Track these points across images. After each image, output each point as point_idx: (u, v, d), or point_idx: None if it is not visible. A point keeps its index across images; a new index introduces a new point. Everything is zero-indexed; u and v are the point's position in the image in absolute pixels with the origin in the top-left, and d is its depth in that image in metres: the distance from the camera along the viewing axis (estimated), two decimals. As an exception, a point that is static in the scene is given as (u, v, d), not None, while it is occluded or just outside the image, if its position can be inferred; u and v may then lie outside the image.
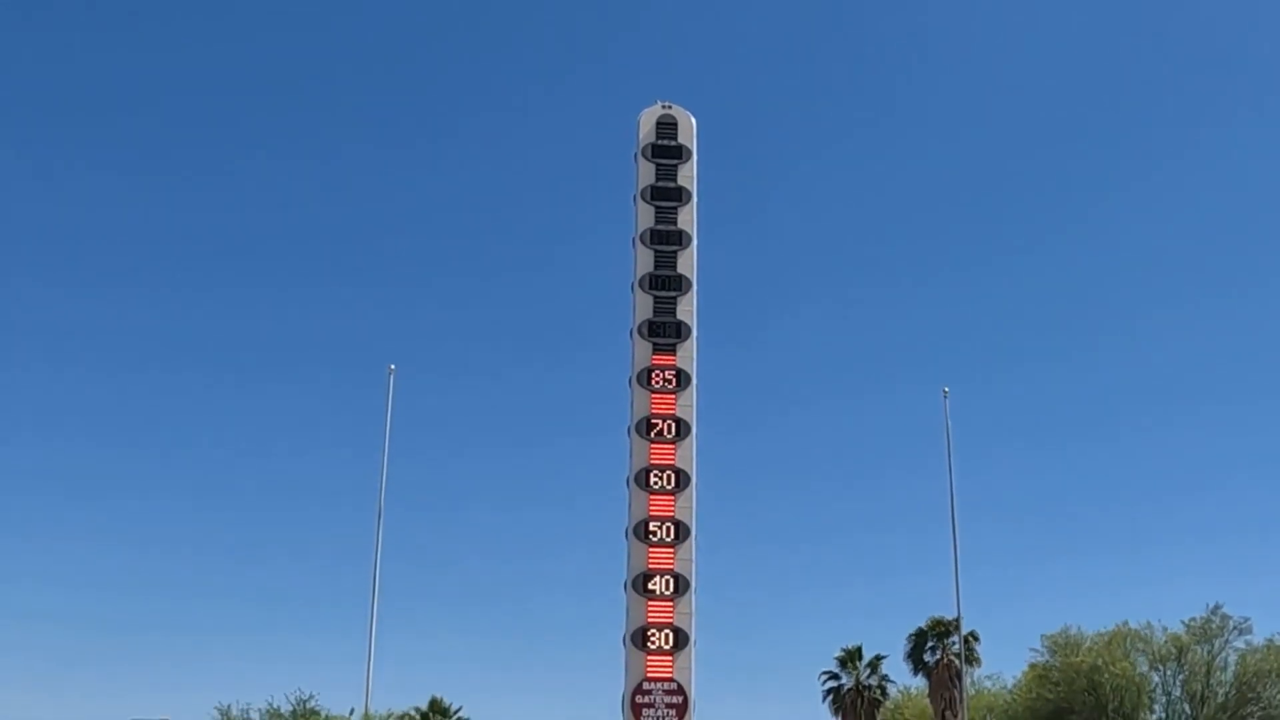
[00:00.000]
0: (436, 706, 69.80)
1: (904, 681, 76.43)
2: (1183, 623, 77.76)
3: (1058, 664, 76.65)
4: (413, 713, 68.28)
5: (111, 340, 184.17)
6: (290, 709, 76.50)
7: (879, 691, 71.76)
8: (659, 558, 67.12)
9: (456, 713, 70.54)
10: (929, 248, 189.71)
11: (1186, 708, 77.35)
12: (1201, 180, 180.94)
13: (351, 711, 67.55)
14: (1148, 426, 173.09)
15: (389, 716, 66.37)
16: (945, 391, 71.98)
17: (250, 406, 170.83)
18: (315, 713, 73.60)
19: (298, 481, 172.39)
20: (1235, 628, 76.88)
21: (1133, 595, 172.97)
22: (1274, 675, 75.31)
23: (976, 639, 71.34)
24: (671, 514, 67.35)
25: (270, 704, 77.87)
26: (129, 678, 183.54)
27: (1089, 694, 74.25)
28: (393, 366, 73.16)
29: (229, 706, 77.00)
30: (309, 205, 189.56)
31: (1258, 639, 76.64)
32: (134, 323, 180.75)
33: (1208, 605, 77.55)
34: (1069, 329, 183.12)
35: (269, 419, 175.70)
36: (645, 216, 72.11)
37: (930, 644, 70.96)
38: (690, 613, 66.86)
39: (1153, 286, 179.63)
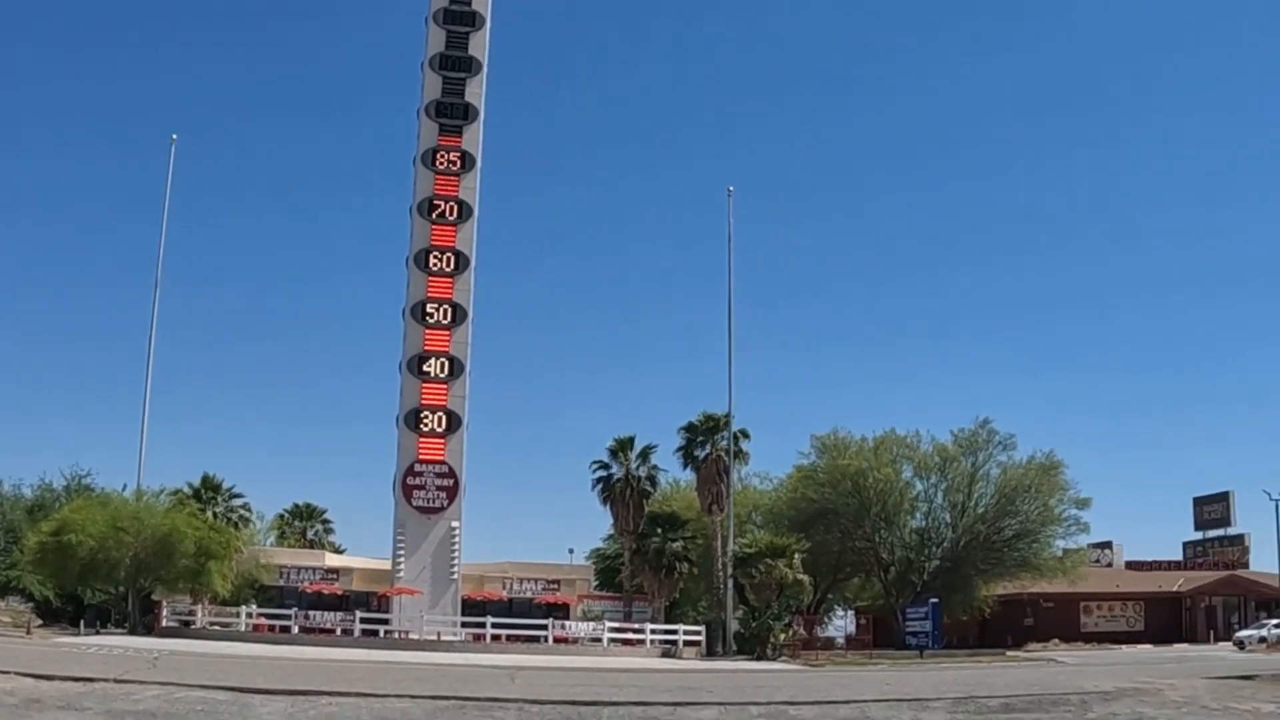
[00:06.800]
0: (208, 484, 71.25)
1: (675, 474, 79.67)
2: (951, 433, 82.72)
3: (824, 465, 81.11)
4: (185, 489, 69.98)
5: None
6: (64, 484, 78.26)
7: (648, 482, 74.08)
8: (435, 340, 70.18)
9: (229, 490, 72.52)
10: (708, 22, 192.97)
11: (947, 516, 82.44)
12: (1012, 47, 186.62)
13: (124, 487, 69.66)
14: (935, 259, 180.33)
15: (161, 492, 68.31)
16: (730, 190, 75.61)
17: (22, 174, 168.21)
18: (89, 488, 75.45)
19: (74, 256, 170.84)
20: (1000, 443, 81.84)
21: (904, 406, 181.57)
22: (1032, 491, 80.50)
23: (746, 436, 74.27)
24: (450, 296, 70.41)
25: (43, 479, 79.62)
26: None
27: (853, 497, 78.81)
28: (175, 136, 74.84)
29: (0, 482, 78.60)
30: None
31: (1020, 456, 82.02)
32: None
33: (976, 418, 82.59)
34: (858, 170, 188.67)
35: (42, 188, 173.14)
36: (440, -6, 73.82)
37: (701, 439, 73.47)
38: (464, 396, 70.25)
39: (955, 113, 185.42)
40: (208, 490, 71.48)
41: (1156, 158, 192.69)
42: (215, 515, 69.47)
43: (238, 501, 73.14)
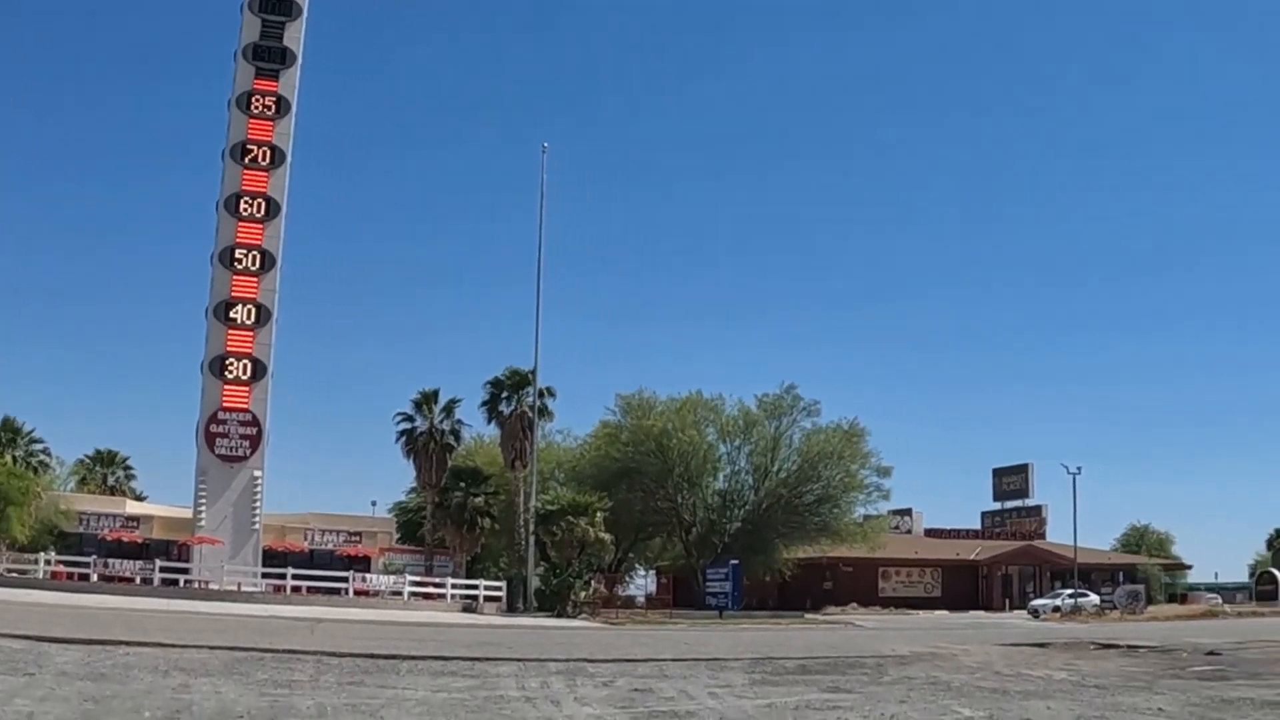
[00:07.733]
0: (8, 426, 70.34)
1: (479, 429, 79.88)
2: (756, 397, 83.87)
3: (628, 425, 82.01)
4: (-16, 433, 69.13)
5: None
6: None
7: (452, 436, 74.49)
8: (243, 286, 69.59)
9: (29, 434, 71.49)
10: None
11: (750, 479, 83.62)
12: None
13: None
14: (744, 237, 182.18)
15: None
16: (544, 147, 75.45)
17: None
18: None
19: None
20: (804, 408, 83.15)
21: (711, 375, 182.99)
22: (835, 457, 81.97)
23: (552, 394, 74.80)
24: (259, 243, 69.80)
25: None
26: None
27: (656, 457, 79.68)
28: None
29: None
30: None
31: (824, 421, 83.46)
32: None
33: (781, 383, 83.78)
34: (659, 84, 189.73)
35: None
36: (261, -64, 72.85)
37: (507, 395, 73.92)
38: (270, 344, 69.78)
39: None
40: (7, 433, 70.51)
41: (967, 144, 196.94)
42: (15, 459, 68.57)
43: (38, 446, 72.42)
